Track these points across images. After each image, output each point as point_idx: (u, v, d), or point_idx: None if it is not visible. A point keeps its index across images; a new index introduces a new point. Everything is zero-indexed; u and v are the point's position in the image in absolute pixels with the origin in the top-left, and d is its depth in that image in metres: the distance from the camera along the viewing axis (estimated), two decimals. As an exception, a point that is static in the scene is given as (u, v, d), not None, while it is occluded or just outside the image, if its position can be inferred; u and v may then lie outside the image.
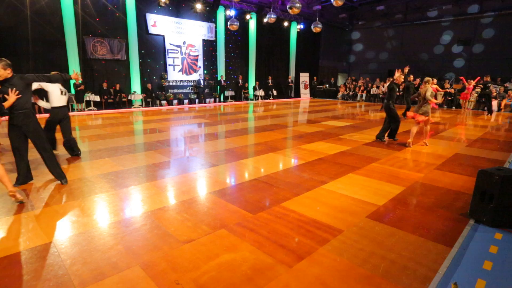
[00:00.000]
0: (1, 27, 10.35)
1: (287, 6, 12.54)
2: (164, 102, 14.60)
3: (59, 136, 5.58)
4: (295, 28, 20.19)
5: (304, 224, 3.12)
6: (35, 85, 4.81)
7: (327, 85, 21.91)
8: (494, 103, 13.91)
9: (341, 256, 2.57)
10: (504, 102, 13.80)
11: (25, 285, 2.18)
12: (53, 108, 5.23)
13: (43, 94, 5.30)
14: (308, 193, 3.94)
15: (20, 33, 10.81)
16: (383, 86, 17.70)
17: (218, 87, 16.99)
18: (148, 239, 2.80)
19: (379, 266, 2.43)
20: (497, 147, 6.68)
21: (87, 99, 12.33)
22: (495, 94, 14.05)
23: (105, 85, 12.92)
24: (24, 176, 4.09)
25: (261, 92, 18.24)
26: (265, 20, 16.63)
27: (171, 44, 15.09)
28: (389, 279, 2.28)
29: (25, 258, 2.50)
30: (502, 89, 14.15)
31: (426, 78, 6.40)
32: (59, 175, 4.19)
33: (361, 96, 18.99)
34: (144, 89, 14.17)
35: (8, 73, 3.67)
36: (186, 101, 15.83)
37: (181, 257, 2.53)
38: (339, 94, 20.24)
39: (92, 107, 12.52)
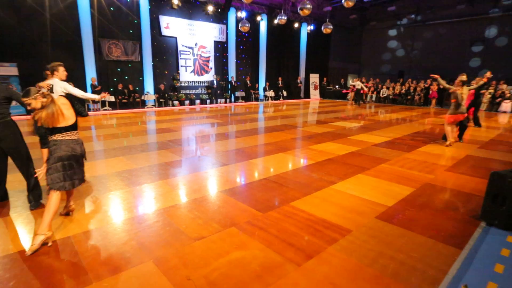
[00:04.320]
0: (22, 30, 10.73)
1: (298, 8, 12.55)
2: (176, 102, 14.81)
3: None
4: (306, 29, 20.14)
5: (313, 223, 3.14)
6: None
7: (337, 86, 21.75)
8: (508, 105, 13.56)
9: (349, 255, 2.59)
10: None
11: (43, 277, 2.28)
12: None
13: None
14: (317, 193, 3.96)
15: (40, 35, 11.19)
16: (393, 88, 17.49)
17: (229, 87, 17.13)
18: (160, 235, 2.88)
19: (388, 267, 2.44)
20: (510, 149, 6.55)
21: (103, 99, 12.61)
22: (508, 95, 13.68)
23: (120, 86, 13.22)
24: None
25: (271, 93, 18.29)
26: (275, 21, 16.66)
27: (183, 46, 15.30)
28: (398, 280, 2.29)
29: (44, 251, 2.61)
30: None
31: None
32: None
33: (371, 97, 18.82)
34: (157, 90, 14.42)
35: None
36: (197, 101, 16.02)
37: (192, 253, 2.59)
38: (349, 95, 20.06)
39: (107, 107, 12.82)
